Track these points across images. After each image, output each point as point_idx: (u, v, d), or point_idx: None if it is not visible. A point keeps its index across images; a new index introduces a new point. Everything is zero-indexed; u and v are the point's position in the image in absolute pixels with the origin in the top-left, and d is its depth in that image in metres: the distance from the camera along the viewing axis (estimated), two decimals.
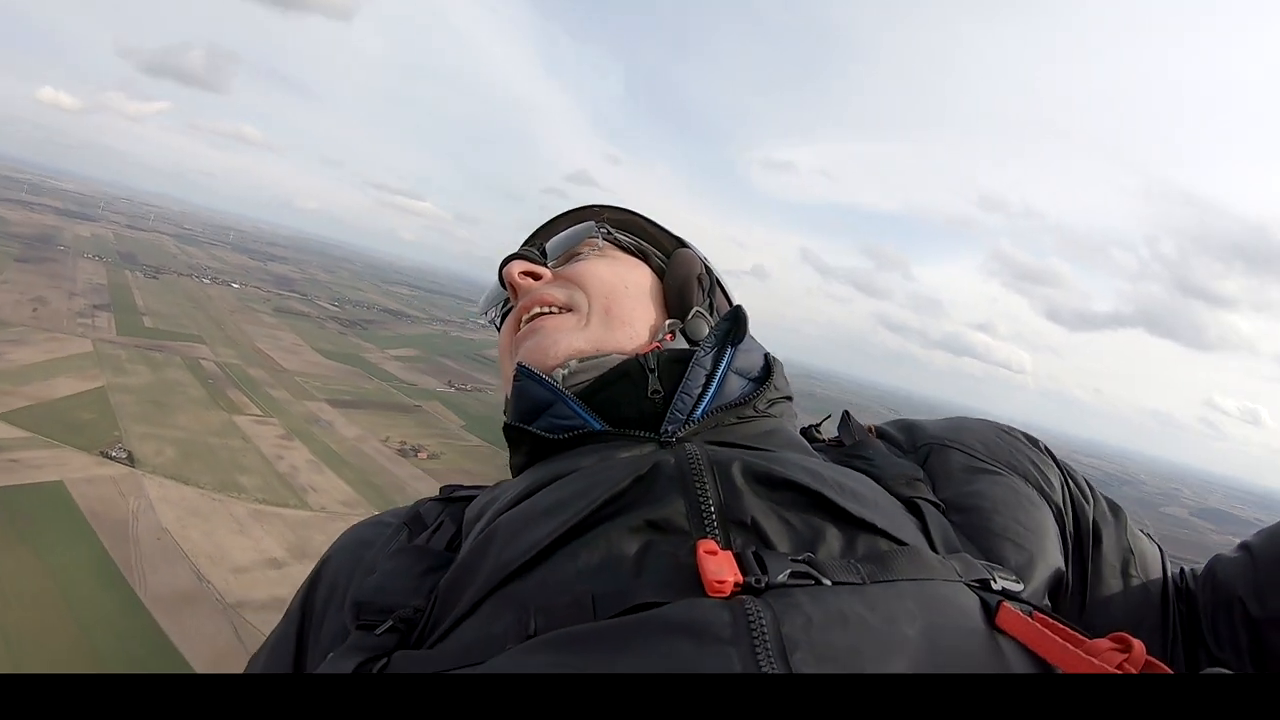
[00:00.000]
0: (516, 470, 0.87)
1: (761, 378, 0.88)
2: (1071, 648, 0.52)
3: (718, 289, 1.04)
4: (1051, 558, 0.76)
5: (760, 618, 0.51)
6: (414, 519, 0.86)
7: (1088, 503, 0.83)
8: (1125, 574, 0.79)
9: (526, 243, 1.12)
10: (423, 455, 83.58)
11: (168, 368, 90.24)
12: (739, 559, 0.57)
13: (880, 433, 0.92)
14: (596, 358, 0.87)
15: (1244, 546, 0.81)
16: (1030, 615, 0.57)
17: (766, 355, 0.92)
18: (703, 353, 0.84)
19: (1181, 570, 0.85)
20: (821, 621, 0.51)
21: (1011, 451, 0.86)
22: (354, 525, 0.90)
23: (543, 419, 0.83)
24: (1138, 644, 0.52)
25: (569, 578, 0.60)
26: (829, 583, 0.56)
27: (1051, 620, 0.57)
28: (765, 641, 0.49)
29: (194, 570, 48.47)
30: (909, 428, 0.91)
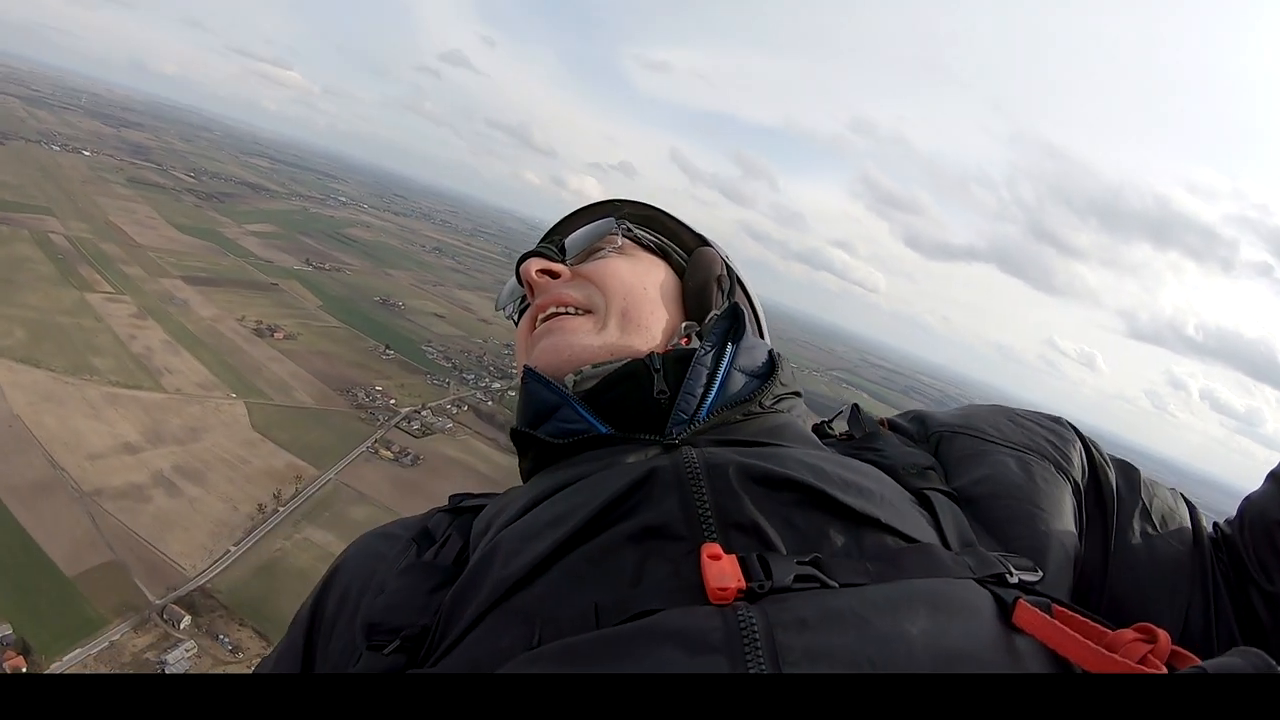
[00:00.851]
0: (525, 475, 0.87)
1: (766, 373, 0.86)
2: (1092, 644, 0.50)
3: (738, 290, 1.03)
4: (1070, 536, 0.75)
5: (752, 623, 0.50)
6: (422, 534, 0.85)
7: (1110, 470, 0.82)
8: (1146, 535, 0.78)
9: (545, 238, 1.09)
10: (279, 336, 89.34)
11: (15, 242, 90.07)
12: (743, 563, 0.56)
13: (892, 425, 0.91)
14: (610, 363, 0.86)
15: (1271, 477, 0.80)
16: (1049, 609, 0.55)
17: (771, 351, 0.91)
18: (703, 351, 0.83)
19: (1215, 524, 0.84)
20: (816, 624, 0.51)
21: (1025, 432, 0.85)
22: (364, 534, 0.90)
23: (550, 423, 0.83)
24: (1163, 634, 0.51)
25: (571, 588, 0.60)
26: (835, 584, 0.55)
27: (1071, 614, 0.55)
28: (756, 647, 0.48)
29: (48, 458, 51.21)
30: (920, 419, 0.91)
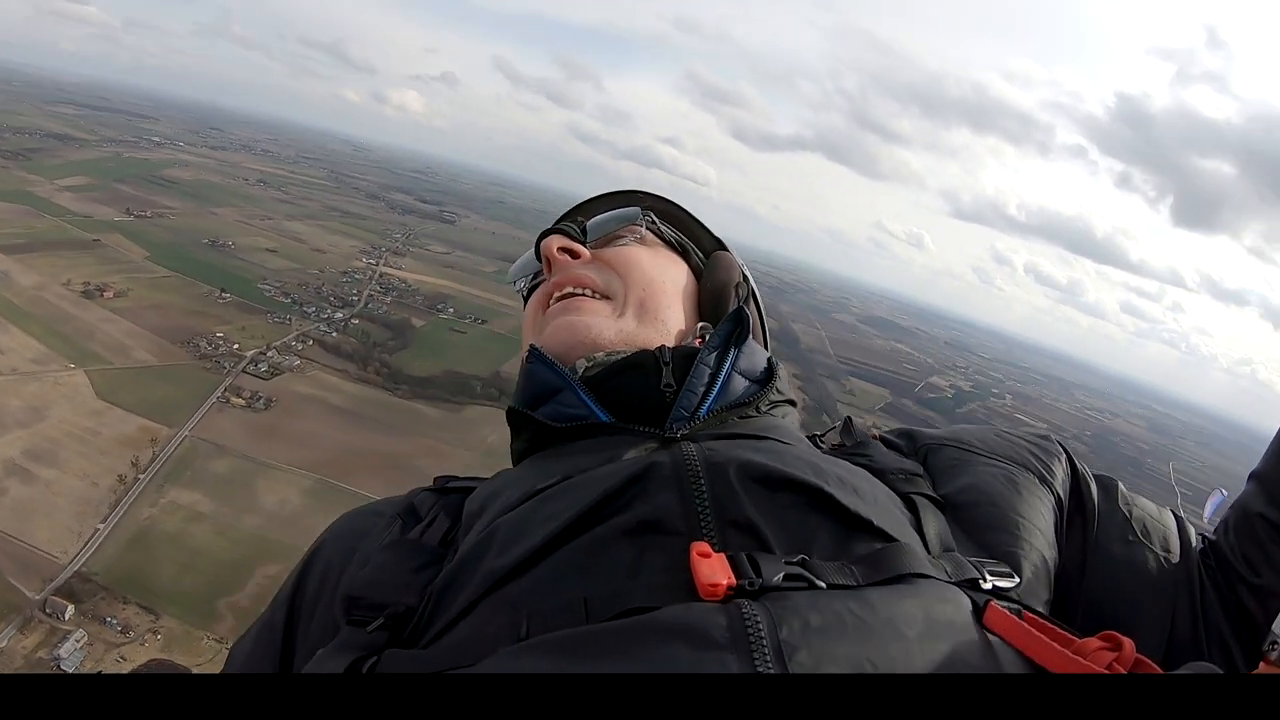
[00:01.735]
0: (517, 457, 0.87)
1: (764, 379, 0.88)
2: (1059, 647, 0.52)
3: (752, 300, 1.04)
4: (1050, 545, 0.77)
5: (757, 622, 0.50)
6: (408, 510, 0.84)
7: (1092, 484, 0.85)
8: (1128, 544, 0.81)
9: (566, 216, 1.09)
10: (109, 295, 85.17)
11: None
12: (732, 561, 0.57)
13: (883, 439, 0.92)
14: (621, 352, 0.86)
15: (1251, 477, 0.84)
16: (1019, 615, 0.57)
17: (769, 358, 0.92)
18: (707, 351, 0.84)
19: (1203, 535, 0.87)
20: (819, 625, 0.51)
21: (1010, 445, 0.88)
22: (347, 513, 0.90)
23: (549, 405, 0.83)
24: (1128, 642, 0.53)
25: (562, 581, 0.60)
26: (823, 585, 0.56)
27: (1040, 620, 0.57)
28: (763, 646, 0.49)
29: None
30: (909, 434, 0.93)
